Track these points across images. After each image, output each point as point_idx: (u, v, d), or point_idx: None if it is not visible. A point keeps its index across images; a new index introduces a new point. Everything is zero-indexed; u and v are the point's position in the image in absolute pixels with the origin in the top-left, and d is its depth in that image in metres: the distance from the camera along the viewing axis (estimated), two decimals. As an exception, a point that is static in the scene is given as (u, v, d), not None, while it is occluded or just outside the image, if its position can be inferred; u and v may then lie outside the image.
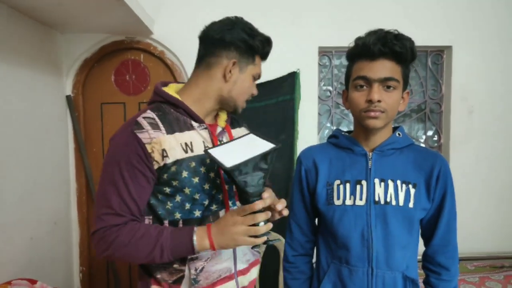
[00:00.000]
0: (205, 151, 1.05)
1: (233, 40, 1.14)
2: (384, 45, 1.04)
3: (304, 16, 2.58)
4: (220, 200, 1.16)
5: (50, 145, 2.36)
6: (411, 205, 1.10)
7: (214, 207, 1.15)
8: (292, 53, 2.57)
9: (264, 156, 1.02)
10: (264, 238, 1.02)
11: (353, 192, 1.13)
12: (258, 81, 2.49)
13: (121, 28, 2.40)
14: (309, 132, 2.61)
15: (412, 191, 1.11)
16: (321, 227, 1.23)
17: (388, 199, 1.10)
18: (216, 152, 1.03)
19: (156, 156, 1.04)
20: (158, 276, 1.12)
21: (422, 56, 2.77)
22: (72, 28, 2.44)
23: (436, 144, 2.82)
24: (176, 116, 1.12)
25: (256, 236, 1.01)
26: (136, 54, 2.65)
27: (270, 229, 1.03)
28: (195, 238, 1.02)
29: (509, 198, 2.72)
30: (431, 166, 1.13)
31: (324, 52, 2.70)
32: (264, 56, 1.25)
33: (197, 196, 1.10)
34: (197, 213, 1.12)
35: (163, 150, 1.05)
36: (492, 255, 2.66)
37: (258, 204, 1.00)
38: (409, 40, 1.08)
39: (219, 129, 1.20)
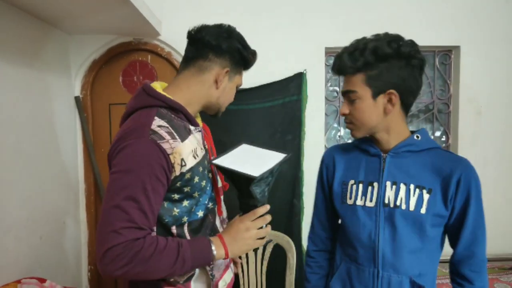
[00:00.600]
0: (213, 163, 1.11)
1: (229, 49, 1.17)
2: (340, 66, 1.12)
3: (310, 17, 2.58)
4: (213, 197, 1.21)
5: (59, 145, 2.39)
6: (423, 210, 1.08)
7: (210, 205, 1.19)
8: (299, 54, 2.57)
9: (278, 166, 1.10)
10: (267, 239, 1.13)
11: (364, 193, 1.15)
12: (265, 82, 2.52)
13: (128, 29, 2.42)
14: (316, 132, 2.60)
15: (426, 196, 1.08)
16: (340, 225, 1.28)
17: (398, 203, 1.10)
18: (225, 163, 1.09)
19: (176, 166, 1.04)
20: (171, 279, 1.13)
21: (430, 56, 2.76)
22: (80, 30, 2.47)
23: (444, 145, 2.80)
24: (178, 122, 1.11)
25: (262, 238, 1.11)
26: (143, 55, 2.67)
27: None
28: (213, 248, 1.05)
29: (519, 199, 2.70)
30: (450, 171, 1.08)
31: (330, 53, 2.69)
32: (248, 68, 1.28)
33: (201, 198, 1.14)
34: (200, 214, 1.15)
35: (182, 159, 1.04)
36: (501, 256, 2.63)
37: (267, 207, 1.09)
38: (365, 47, 1.07)
39: (199, 128, 1.22)
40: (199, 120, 1.27)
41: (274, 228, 2.18)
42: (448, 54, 2.73)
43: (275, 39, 2.57)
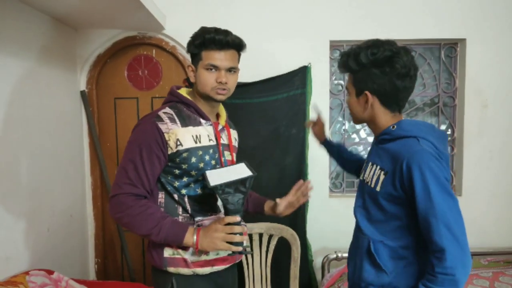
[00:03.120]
0: (203, 173, 1.31)
1: (190, 48, 1.38)
2: (338, 66, 1.37)
3: (315, 10, 2.57)
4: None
5: (65, 139, 2.41)
6: (378, 188, 1.25)
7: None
8: (303, 47, 2.57)
9: (242, 181, 1.27)
10: (239, 248, 1.28)
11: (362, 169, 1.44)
12: (270, 76, 2.52)
13: (133, 23, 2.43)
14: (320, 126, 2.60)
15: (382, 177, 1.25)
16: None
17: (367, 180, 1.33)
18: (210, 173, 1.30)
19: (171, 143, 1.29)
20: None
21: (435, 48, 2.74)
22: (86, 24, 2.48)
23: (449, 138, 2.80)
24: (188, 114, 1.37)
25: (233, 244, 1.27)
26: (148, 49, 2.68)
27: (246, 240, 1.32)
28: (186, 234, 1.28)
29: (524, 193, 2.69)
30: (399, 157, 1.19)
31: (335, 46, 2.68)
32: (211, 46, 1.34)
33: (199, 178, 1.36)
34: (199, 191, 1.38)
35: (177, 139, 1.30)
36: (506, 250, 2.63)
37: (236, 218, 1.27)
38: (353, 54, 1.29)
39: (220, 127, 1.46)
40: (222, 121, 1.49)
41: (278, 221, 2.21)
42: (453, 47, 2.72)
43: (279, 33, 2.57)
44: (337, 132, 2.81)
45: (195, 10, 2.55)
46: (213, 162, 1.39)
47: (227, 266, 1.42)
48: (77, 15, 2.24)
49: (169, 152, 1.30)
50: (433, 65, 2.75)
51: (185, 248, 1.33)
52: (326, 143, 1.79)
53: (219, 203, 1.43)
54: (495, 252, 2.61)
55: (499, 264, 2.50)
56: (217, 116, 1.51)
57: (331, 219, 2.58)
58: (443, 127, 2.81)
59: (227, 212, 1.29)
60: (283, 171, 2.52)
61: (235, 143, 1.56)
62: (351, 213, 1.44)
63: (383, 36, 1.31)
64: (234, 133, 1.59)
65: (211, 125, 1.41)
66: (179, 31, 2.56)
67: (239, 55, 1.44)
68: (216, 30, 1.33)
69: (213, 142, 1.40)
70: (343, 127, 2.79)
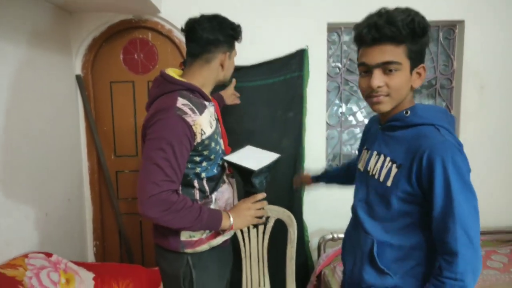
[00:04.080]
0: (224, 159, 1.46)
1: (225, 38, 1.44)
2: (376, 31, 1.04)
3: (312, -9, 2.54)
4: (222, 157, 1.50)
5: (62, 124, 2.40)
6: (389, 183, 1.10)
7: (221, 162, 1.49)
8: (301, 30, 2.54)
9: (275, 163, 1.45)
10: (264, 220, 1.50)
11: (363, 159, 1.29)
12: (266, 59, 2.50)
13: (128, 6, 2.39)
14: (317, 109, 2.60)
15: (394, 170, 1.10)
16: None
17: (374, 172, 1.18)
18: (233, 159, 1.43)
19: (198, 134, 1.32)
20: None
21: (434, 31, 2.72)
22: (80, 7, 2.44)
23: (446, 121, 2.80)
24: (195, 100, 1.38)
25: (260, 218, 1.47)
26: (144, 32, 2.65)
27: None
28: (223, 220, 1.37)
29: (519, 174, 2.71)
30: (418, 147, 1.05)
31: (333, 28, 2.66)
32: (239, 40, 1.53)
33: (216, 159, 1.44)
34: (215, 170, 1.45)
35: (201, 129, 1.33)
36: (499, 229, 2.66)
37: (264, 194, 1.46)
38: (406, 18, 1.03)
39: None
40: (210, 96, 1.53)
41: (275, 203, 2.23)
42: (452, 29, 2.70)
43: (276, 15, 2.54)
44: (334, 115, 2.81)
45: (190, -8, 2.52)
46: (220, 139, 1.48)
47: (232, 232, 1.52)
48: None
49: (195, 142, 1.33)
50: (431, 47, 2.74)
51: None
52: (316, 180, 1.81)
53: (224, 176, 1.54)
54: (488, 231, 2.64)
55: (492, 243, 2.54)
56: None
57: (327, 200, 2.60)
58: (440, 109, 2.81)
59: (256, 191, 1.43)
60: (280, 154, 2.52)
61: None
62: (347, 195, 1.45)
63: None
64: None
65: (213, 105, 1.49)
66: (175, 14, 2.53)
67: None
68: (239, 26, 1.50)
69: (215, 121, 1.47)
70: (340, 110, 2.79)
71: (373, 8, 1.11)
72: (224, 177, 1.54)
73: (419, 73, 1.11)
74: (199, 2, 2.51)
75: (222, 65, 1.46)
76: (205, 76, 1.45)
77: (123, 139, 2.72)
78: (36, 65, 2.12)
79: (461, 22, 2.63)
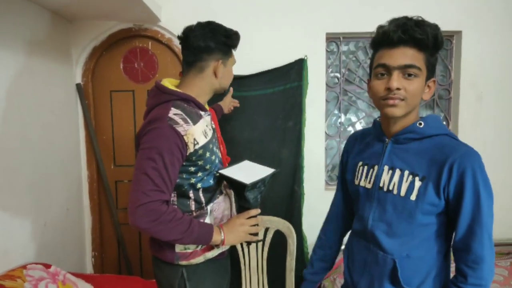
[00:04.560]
0: (218, 172, 1.41)
1: (217, 45, 1.41)
2: (404, 32, 1.03)
3: (311, 2, 2.55)
4: (219, 167, 1.48)
5: (61, 132, 2.40)
6: (413, 197, 1.08)
7: (218, 174, 1.46)
8: (300, 40, 2.56)
9: (268, 178, 1.40)
10: (258, 237, 1.46)
11: (367, 175, 1.20)
12: (266, 69, 2.52)
13: (128, 15, 2.41)
14: (316, 119, 2.61)
15: (418, 183, 1.08)
16: None
17: (391, 187, 1.12)
18: (228, 173, 1.39)
19: (190, 144, 1.31)
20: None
21: (432, 41, 2.74)
22: (81, 16, 2.46)
23: (444, 131, 2.81)
24: (190, 109, 1.37)
25: (254, 234, 1.43)
26: (144, 41, 2.66)
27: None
28: (213, 234, 1.34)
29: (518, 185, 2.72)
30: (445, 158, 1.05)
31: (332, 38, 2.68)
32: (237, 46, 1.49)
33: (212, 170, 1.42)
34: (211, 181, 1.43)
35: (194, 139, 1.32)
36: (499, 241, 2.66)
37: (258, 210, 1.42)
38: (433, 26, 1.05)
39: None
40: (206, 106, 1.52)
41: (275, 213, 2.23)
42: (449, 39, 2.72)
43: (276, 25, 2.56)
44: (332, 125, 2.82)
45: (190, 1, 2.53)
46: (217, 150, 1.47)
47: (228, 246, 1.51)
48: (71, 6, 2.22)
49: (188, 152, 1.32)
50: (429, 57, 2.75)
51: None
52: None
53: (222, 186, 1.52)
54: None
55: (492, 255, 2.53)
56: None
57: (327, 211, 2.59)
58: (438, 119, 2.83)
59: (249, 206, 1.39)
60: (279, 164, 2.53)
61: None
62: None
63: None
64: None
65: (209, 114, 1.47)
66: (175, 23, 2.54)
67: None
68: (238, 36, 1.48)
69: (212, 131, 1.45)
70: (339, 120, 2.80)
71: (372, 18, 1.11)
72: (222, 187, 1.52)
73: (429, 86, 1.12)
74: (199, 11, 2.52)
75: (215, 73, 1.43)
76: (199, 86, 1.44)
77: (122, 148, 2.72)
78: (35, 73, 2.12)
79: (458, 33, 2.65)
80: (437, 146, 1.09)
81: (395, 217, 1.12)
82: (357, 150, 1.29)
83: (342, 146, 2.81)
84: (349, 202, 1.38)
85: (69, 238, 2.48)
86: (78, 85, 2.59)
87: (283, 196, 2.52)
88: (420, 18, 1.05)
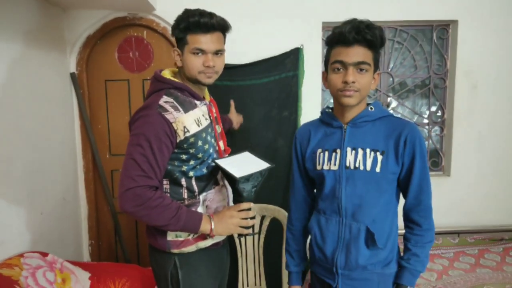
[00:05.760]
0: (214, 161, 1.39)
1: (174, 35, 1.40)
2: (358, 33, 1.21)
3: (307, -9, 2.54)
4: (216, 158, 1.46)
5: (56, 122, 2.39)
6: (377, 169, 1.28)
7: (213, 164, 1.45)
8: (296, 29, 2.55)
9: (261, 172, 1.37)
10: (250, 230, 1.41)
11: (330, 159, 1.35)
12: (261, 58, 2.50)
13: (123, 3, 2.38)
14: (312, 108, 2.61)
15: (380, 157, 1.28)
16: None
17: (357, 165, 1.30)
18: (223, 163, 1.37)
19: (179, 132, 1.32)
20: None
21: (427, 30, 2.75)
22: (75, 5, 2.43)
23: (439, 120, 2.83)
24: (183, 98, 1.38)
25: (245, 228, 1.39)
26: (139, 30, 2.64)
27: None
28: (202, 223, 1.34)
29: (511, 173, 2.75)
30: (399, 133, 1.28)
31: (328, 28, 2.67)
32: (197, 30, 1.35)
33: (205, 158, 1.42)
34: (205, 170, 1.43)
35: (184, 126, 1.32)
36: (492, 228, 2.70)
37: (250, 204, 1.38)
38: (379, 28, 1.25)
39: (207, 103, 1.50)
40: (207, 96, 1.53)
41: (271, 202, 2.25)
42: (445, 28, 2.72)
43: (271, 14, 2.54)
44: (329, 114, 2.82)
45: (186, -10, 2.51)
46: (212, 140, 1.45)
47: (225, 237, 1.53)
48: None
49: (177, 140, 1.32)
50: (425, 46, 2.76)
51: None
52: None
53: (219, 176, 1.51)
54: (481, 230, 2.68)
55: (484, 242, 2.57)
56: None
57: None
58: (433, 108, 2.84)
59: (242, 199, 1.37)
60: (275, 153, 2.54)
61: (219, 114, 1.65)
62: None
63: (376, 17, 1.32)
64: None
65: (205, 104, 1.46)
66: (170, 12, 2.48)
67: (225, 36, 1.45)
68: (201, 13, 1.33)
69: (208, 121, 1.45)
70: (335, 109, 2.80)
71: (368, 7, 1.15)
72: (219, 178, 1.52)
73: (374, 78, 1.31)
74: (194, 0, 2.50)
75: (175, 63, 1.43)
76: (180, 76, 1.45)
77: (118, 137, 2.72)
78: (29, 63, 2.10)
79: (454, 22, 2.65)
80: (388, 125, 1.31)
81: (365, 190, 1.30)
82: (316, 140, 1.41)
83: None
84: (309, 188, 1.51)
85: (66, 227, 2.49)
86: (72, 75, 2.57)
87: (279, 185, 2.54)
88: (369, 21, 1.24)
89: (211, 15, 1.35)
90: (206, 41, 1.35)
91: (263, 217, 2.25)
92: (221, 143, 1.54)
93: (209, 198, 1.46)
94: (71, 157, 2.60)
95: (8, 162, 1.90)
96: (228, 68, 2.44)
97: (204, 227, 1.34)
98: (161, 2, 2.51)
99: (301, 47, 2.52)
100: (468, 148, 2.71)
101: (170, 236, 1.40)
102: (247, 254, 2.24)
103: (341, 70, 1.25)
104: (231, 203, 1.54)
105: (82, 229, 2.73)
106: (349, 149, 1.31)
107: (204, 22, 1.32)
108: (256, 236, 2.23)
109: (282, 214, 2.19)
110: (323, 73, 1.39)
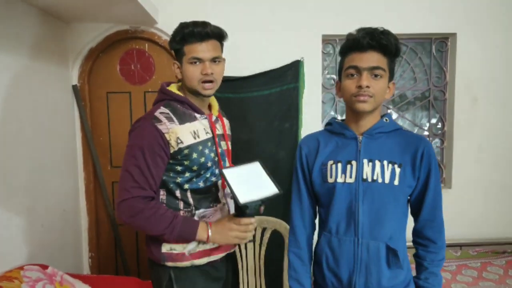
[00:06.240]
0: (221, 172, 1.31)
1: (172, 45, 1.42)
2: (372, 38, 1.19)
3: (307, 4, 2.57)
4: (216, 173, 1.45)
5: (58, 134, 2.40)
6: (396, 182, 1.23)
7: (213, 179, 1.45)
8: (296, 42, 2.58)
9: (271, 197, 1.29)
10: (247, 240, 1.37)
11: (344, 171, 1.27)
12: (263, 70, 2.52)
13: (125, 17, 2.41)
14: (313, 120, 2.62)
15: (398, 170, 1.24)
16: (318, 205, 1.41)
17: (375, 177, 1.24)
18: (230, 175, 1.28)
19: (173, 142, 1.32)
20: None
21: (427, 43, 2.77)
22: (77, 18, 2.46)
23: (439, 132, 2.84)
24: (183, 110, 1.39)
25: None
26: (140, 43, 2.67)
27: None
28: (198, 230, 1.32)
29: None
30: (416, 147, 1.25)
31: (327, 40, 2.70)
32: (192, 40, 1.36)
33: (201, 172, 1.40)
34: (201, 184, 1.41)
35: (178, 137, 1.32)
36: (495, 241, 2.69)
37: (251, 220, 1.33)
38: (394, 36, 1.22)
39: (213, 118, 1.50)
40: (214, 111, 1.53)
41: (272, 214, 2.24)
42: (444, 41, 2.75)
43: (272, 27, 2.57)
44: (329, 126, 2.83)
45: (187, 4, 2.54)
46: (212, 154, 1.42)
47: (223, 254, 1.48)
48: (67, 8, 2.22)
49: (171, 151, 1.33)
50: (424, 59, 2.78)
51: (181, 242, 1.37)
52: None
53: (220, 194, 1.48)
54: (484, 243, 2.67)
55: (487, 255, 2.56)
56: (210, 107, 1.55)
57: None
58: (433, 120, 2.85)
59: (244, 214, 1.31)
60: (276, 165, 2.54)
61: (229, 131, 1.63)
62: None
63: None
64: (227, 122, 1.64)
65: (206, 118, 1.45)
66: (171, 25, 2.47)
67: (222, 44, 1.46)
68: (195, 23, 1.36)
69: (210, 135, 1.43)
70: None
71: (367, 20, 1.17)
72: (220, 196, 1.49)
73: (389, 87, 1.28)
74: (196, 13, 2.52)
75: (176, 76, 1.45)
76: (182, 89, 1.46)
77: (119, 149, 2.72)
78: (32, 75, 2.12)
79: (453, 35, 2.68)
80: (403, 138, 1.29)
81: (383, 204, 1.23)
82: (328, 152, 1.32)
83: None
84: (315, 205, 1.41)
85: (66, 239, 2.48)
86: (74, 87, 2.59)
87: (280, 197, 2.51)
88: (383, 28, 1.22)
89: (205, 24, 1.37)
90: (202, 49, 1.36)
91: (264, 229, 2.24)
92: (226, 160, 1.52)
93: (208, 215, 1.43)
94: (72, 168, 2.60)
95: (9, 173, 1.90)
96: (230, 80, 2.47)
97: (201, 234, 1.33)
98: (163, 15, 2.54)
99: (302, 59, 2.54)
100: (469, 160, 2.71)
101: (165, 248, 1.38)
102: (248, 266, 2.22)
103: (355, 75, 1.22)
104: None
105: (83, 241, 2.71)
106: (365, 161, 1.25)
107: (198, 31, 1.34)
108: (257, 248, 2.22)
109: (283, 226, 2.18)
110: (336, 82, 1.35)
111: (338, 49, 2.73)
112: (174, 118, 1.34)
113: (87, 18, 2.45)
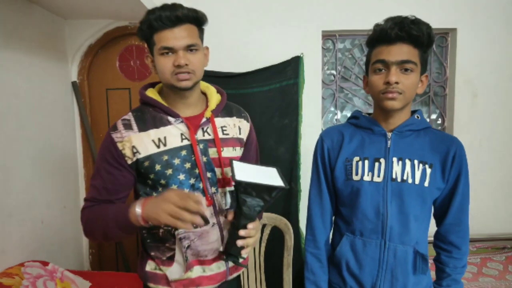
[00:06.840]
0: (231, 161, 1.14)
1: (141, 39, 1.22)
2: (401, 29, 1.09)
3: (307, 0, 2.56)
4: (201, 189, 1.21)
5: (58, 131, 2.40)
6: (426, 184, 1.16)
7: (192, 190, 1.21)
8: (296, 37, 2.56)
9: (269, 189, 1.05)
10: (188, 225, 1.01)
11: (371, 169, 1.18)
12: (262, 66, 2.51)
13: (124, 13, 2.40)
14: (313, 116, 2.62)
15: (428, 170, 1.16)
16: (337, 203, 1.31)
17: (405, 177, 1.16)
18: (236, 164, 1.13)
19: (127, 152, 1.16)
20: (153, 253, 1.27)
21: (427, 39, 2.76)
22: (76, 14, 2.45)
23: (439, 127, 2.83)
24: (153, 114, 1.20)
25: (180, 221, 1.00)
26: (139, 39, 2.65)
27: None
28: (130, 209, 1.07)
29: (512, 181, 2.74)
30: (447, 148, 1.19)
31: (327, 36, 2.69)
32: (161, 26, 1.13)
33: (174, 187, 1.18)
34: None
35: (133, 146, 1.15)
36: (495, 236, 2.69)
37: (199, 196, 1.03)
38: (426, 25, 1.11)
39: (203, 120, 1.23)
40: (208, 111, 1.25)
41: (272, 210, 2.24)
42: (445, 36, 2.73)
43: (272, 23, 2.56)
44: (329, 122, 2.83)
45: (186, 0, 2.53)
46: (187, 165, 1.18)
47: (216, 285, 1.27)
48: (66, 4, 2.21)
49: (129, 162, 1.16)
50: (424, 55, 2.77)
51: (166, 264, 1.23)
52: None
53: (208, 213, 1.21)
54: (484, 238, 2.67)
55: (487, 250, 2.56)
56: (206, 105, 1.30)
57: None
58: (433, 116, 2.85)
59: (240, 214, 1.08)
60: (276, 161, 2.54)
61: (225, 135, 1.28)
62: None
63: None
64: (228, 122, 1.33)
65: (182, 122, 1.20)
66: None
67: (201, 30, 1.25)
68: (162, 7, 1.13)
69: (186, 141, 1.19)
70: (335, 117, 2.81)
71: (367, 16, 1.14)
72: (209, 215, 1.21)
73: (422, 81, 1.18)
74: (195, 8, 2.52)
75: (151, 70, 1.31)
76: (161, 86, 1.30)
77: (119, 146, 2.72)
78: (31, 72, 2.12)
79: (453, 30, 2.67)
80: (433, 137, 1.21)
81: (412, 205, 1.16)
82: (353, 147, 1.23)
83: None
84: (334, 203, 1.32)
85: (67, 236, 2.48)
86: (74, 83, 2.59)
87: (280, 193, 2.52)
88: (414, 17, 1.11)
89: (174, 6, 1.15)
90: (173, 36, 1.12)
91: (264, 226, 2.24)
92: (215, 171, 1.23)
93: (192, 238, 1.20)
94: (72, 165, 2.60)
95: (10, 170, 1.91)
96: (229, 76, 2.46)
97: (132, 210, 1.06)
98: (162, 11, 2.52)
99: (301, 55, 2.53)
100: (469, 157, 2.68)
101: (149, 266, 1.26)
102: (248, 263, 2.23)
103: (383, 70, 1.12)
104: (216, 247, 1.26)
105: (83, 238, 2.72)
106: (395, 159, 1.17)
107: (167, 16, 1.12)
108: (257, 245, 2.22)
109: (282, 223, 2.19)
110: (364, 77, 1.26)
111: (338, 45, 2.72)
112: (135, 125, 1.17)
113: (86, 14, 2.45)
